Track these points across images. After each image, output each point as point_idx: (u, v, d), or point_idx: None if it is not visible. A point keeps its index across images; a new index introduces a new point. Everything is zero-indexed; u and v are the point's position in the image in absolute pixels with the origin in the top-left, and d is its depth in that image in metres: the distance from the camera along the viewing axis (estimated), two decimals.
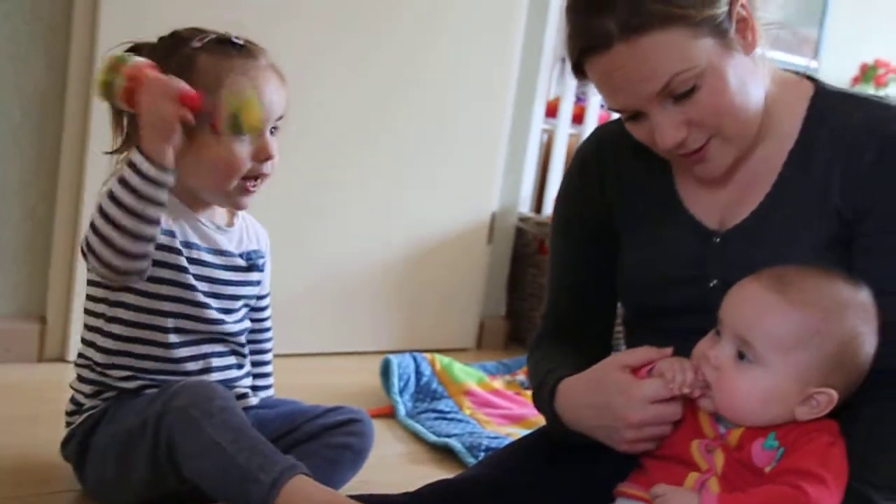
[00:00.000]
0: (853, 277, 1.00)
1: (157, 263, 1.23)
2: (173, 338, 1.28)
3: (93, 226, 1.15)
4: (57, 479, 1.34)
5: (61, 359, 1.91)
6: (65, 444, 1.31)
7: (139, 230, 1.13)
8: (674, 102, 1.01)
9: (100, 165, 1.36)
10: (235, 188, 1.28)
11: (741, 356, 0.99)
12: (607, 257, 1.21)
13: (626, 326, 1.27)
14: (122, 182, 1.13)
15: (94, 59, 1.82)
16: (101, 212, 1.14)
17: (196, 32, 1.27)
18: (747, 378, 0.98)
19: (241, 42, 1.28)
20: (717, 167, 1.07)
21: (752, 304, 0.99)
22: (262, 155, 1.27)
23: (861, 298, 0.99)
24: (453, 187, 2.37)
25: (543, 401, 1.14)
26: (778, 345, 0.97)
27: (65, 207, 1.90)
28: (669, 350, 1.05)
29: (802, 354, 0.97)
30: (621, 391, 1.03)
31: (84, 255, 1.18)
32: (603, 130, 1.24)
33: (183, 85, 1.14)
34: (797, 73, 1.14)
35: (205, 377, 1.29)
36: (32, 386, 1.77)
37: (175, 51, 1.25)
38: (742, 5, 1.01)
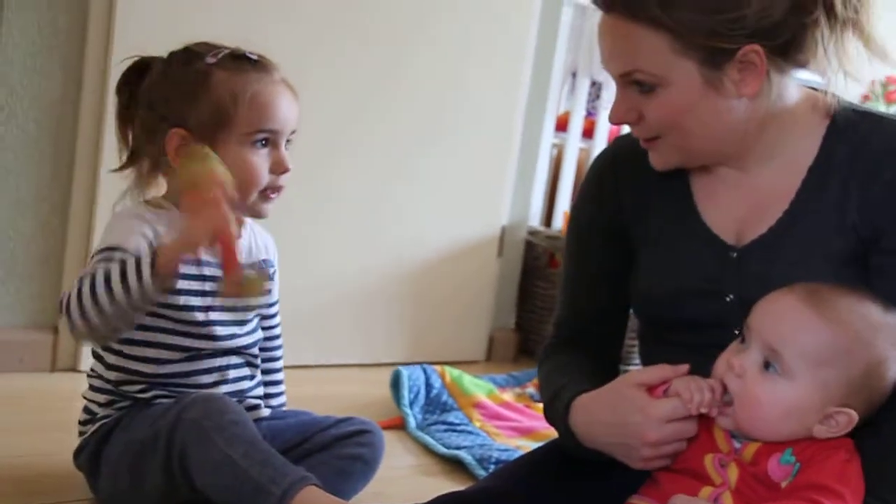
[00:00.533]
0: (884, 300, 1.00)
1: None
2: (182, 355, 1.28)
3: (78, 297, 1.12)
4: (70, 489, 1.34)
5: (73, 369, 1.92)
6: (78, 453, 1.31)
7: (118, 323, 1.14)
8: (638, 90, 1.06)
9: (113, 179, 1.37)
10: (256, 198, 1.29)
11: (767, 366, 0.99)
12: (621, 267, 1.22)
13: (641, 340, 1.27)
14: (122, 274, 1.11)
15: (108, 72, 1.83)
16: (89, 292, 1.11)
17: (209, 47, 1.28)
18: (771, 389, 0.98)
19: (255, 57, 1.29)
20: (663, 162, 1.13)
21: (787, 316, 0.99)
22: (279, 168, 1.29)
23: (892, 322, 0.99)
24: (464, 201, 2.37)
25: (557, 415, 1.13)
26: (808, 359, 0.97)
27: (78, 220, 1.90)
28: (685, 368, 1.05)
29: (830, 372, 0.97)
30: (638, 410, 1.03)
31: (63, 313, 1.15)
32: (620, 142, 1.25)
33: (233, 229, 1.11)
34: (816, 89, 1.14)
35: (217, 389, 1.30)
36: (45, 395, 1.77)
37: (189, 66, 1.27)
38: (756, 52, 1.01)
